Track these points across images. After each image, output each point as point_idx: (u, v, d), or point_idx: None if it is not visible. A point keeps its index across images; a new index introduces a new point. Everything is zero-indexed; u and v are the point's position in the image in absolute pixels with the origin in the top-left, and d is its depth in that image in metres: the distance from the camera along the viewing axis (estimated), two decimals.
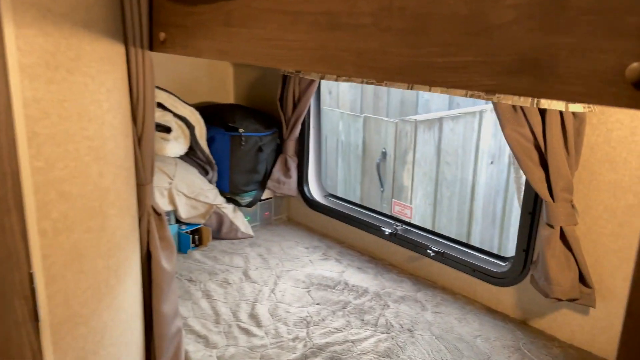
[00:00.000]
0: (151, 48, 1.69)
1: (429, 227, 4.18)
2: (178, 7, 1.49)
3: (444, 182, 4.27)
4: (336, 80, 2.60)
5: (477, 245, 2.67)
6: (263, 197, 3.12)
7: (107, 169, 1.56)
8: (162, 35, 1.59)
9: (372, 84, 2.42)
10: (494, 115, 4.48)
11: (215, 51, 1.41)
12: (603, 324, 2.00)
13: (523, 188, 3.99)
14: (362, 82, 2.46)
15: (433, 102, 5.76)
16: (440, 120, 4.14)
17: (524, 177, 3.97)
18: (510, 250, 4.94)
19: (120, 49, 1.60)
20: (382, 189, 4.29)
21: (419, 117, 4.10)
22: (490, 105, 4.66)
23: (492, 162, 4.57)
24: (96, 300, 1.59)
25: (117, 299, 1.68)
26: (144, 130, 1.74)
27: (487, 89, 0.83)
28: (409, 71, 0.92)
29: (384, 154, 4.20)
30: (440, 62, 0.86)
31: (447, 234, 2.74)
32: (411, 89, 2.27)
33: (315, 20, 1.07)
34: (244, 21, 1.25)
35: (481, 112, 4.41)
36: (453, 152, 4.27)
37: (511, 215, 4.90)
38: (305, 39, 1.10)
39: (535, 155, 1.97)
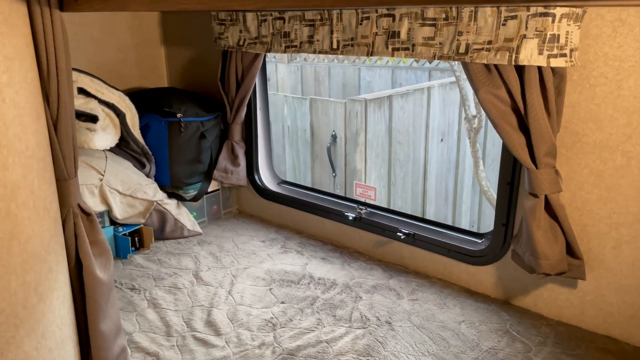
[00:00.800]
0: (62, 7, 1.36)
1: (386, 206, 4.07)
2: None
3: (397, 163, 4.15)
4: (284, 51, 2.33)
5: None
6: (209, 190, 2.90)
7: (13, 160, 1.22)
8: None
9: (326, 52, 2.17)
10: (442, 91, 4.39)
11: (144, 0, 1.11)
12: (592, 297, 1.87)
13: (481, 162, 3.91)
14: (314, 52, 2.21)
15: (375, 83, 5.63)
16: (389, 98, 4.00)
17: (479, 152, 3.89)
18: (464, 226, 4.93)
19: (20, 8, 1.25)
20: (334, 174, 4.12)
21: (368, 96, 3.94)
22: (438, 81, 4.56)
23: (442, 140, 4.49)
24: (12, 327, 1.25)
25: (41, 323, 1.34)
26: (60, 112, 1.40)
27: None
28: None
29: (334, 137, 4.02)
30: None
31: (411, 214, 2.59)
32: (370, 55, 2.04)
33: None
34: None
35: (429, 89, 4.30)
36: (404, 131, 4.15)
37: (462, 192, 4.86)
38: None
39: (513, 119, 1.80)
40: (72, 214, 1.50)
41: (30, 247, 1.29)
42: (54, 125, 1.41)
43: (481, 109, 3.85)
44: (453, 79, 4.41)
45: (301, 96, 4.63)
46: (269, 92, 2.91)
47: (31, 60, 1.30)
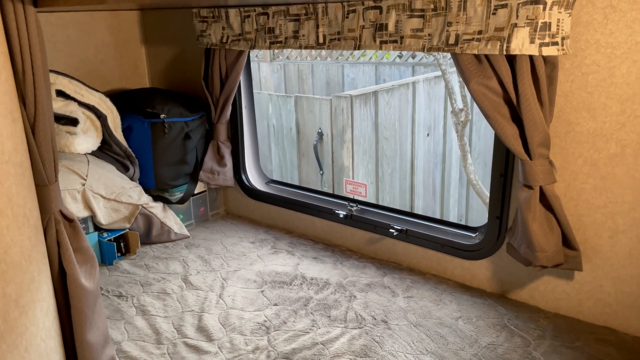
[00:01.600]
0: (35, 3, 1.28)
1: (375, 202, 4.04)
2: None
3: (384, 159, 4.12)
4: (269, 48, 2.28)
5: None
6: (196, 191, 2.84)
7: None
8: None
9: (312, 47, 2.12)
10: (427, 86, 4.36)
11: None
12: (589, 288, 1.84)
13: (469, 155, 3.89)
14: (300, 48, 2.15)
15: (359, 80, 5.59)
16: (375, 94, 3.97)
17: (467, 145, 3.87)
18: (453, 220, 4.93)
19: None
20: (321, 172, 4.07)
21: (354, 92, 3.90)
22: (422, 76, 4.54)
23: (428, 134, 4.47)
24: None
25: (24, 336, 1.27)
26: (37, 114, 1.33)
27: None
28: None
29: (321, 135, 3.98)
30: None
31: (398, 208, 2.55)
32: (358, 48, 1.99)
33: None
34: None
35: (414, 84, 4.28)
36: (391, 127, 4.12)
37: (450, 186, 4.85)
38: None
39: (506, 110, 1.76)
40: (53, 221, 1.43)
41: (9, 257, 1.22)
42: (32, 128, 1.34)
43: (468, 102, 3.83)
44: (438, 73, 4.39)
45: (285, 94, 4.58)
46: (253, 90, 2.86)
47: (4, 58, 1.22)
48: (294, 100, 4.14)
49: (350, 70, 5.52)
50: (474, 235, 2.17)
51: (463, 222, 4.97)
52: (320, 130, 4.02)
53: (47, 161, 1.40)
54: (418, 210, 4.46)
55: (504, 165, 1.93)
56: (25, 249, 1.28)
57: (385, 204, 4.17)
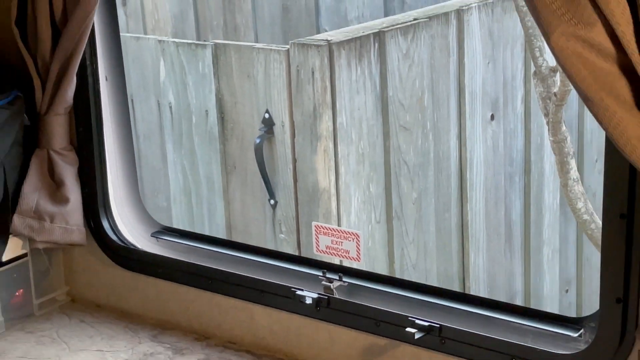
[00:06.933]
0: None
1: (381, 270, 4.10)
2: None
3: (404, 170, 4.21)
4: None
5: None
6: (4, 258, 2.88)
7: None
8: None
9: None
10: (487, 18, 4.47)
11: None
12: None
13: (572, 162, 4.00)
14: None
15: (350, 3, 5.71)
16: (379, 36, 4.05)
17: (569, 141, 3.98)
18: (548, 289, 5.01)
19: None
20: (272, 201, 4.15)
21: (334, 35, 3.98)
22: None
23: (493, 117, 4.58)
24: None
25: None
26: None
27: None
28: None
29: (269, 124, 4.06)
30: None
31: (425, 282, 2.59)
32: None
33: None
34: None
35: (460, 12, 4.38)
36: (413, 106, 4.21)
37: (542, 221, 4.96)
38: None
39: (624, 87, 1.85)
40: None
41: None
42: None
43: None
44: None
45: (196, 40, 4.63)
46: (127, 30, 2.91)
47: None
48: (211, 52, 4.21)
49: None
50: (577, 334, 2.25)
51: (572, 296, 5.09)
52: (267, 116, 4.09)
53: None
54: (478, 276, 4.55)
55: (627, 197, 2.02)
56: None
57: (409, 268, 4.27)
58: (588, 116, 4.75)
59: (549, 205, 4.87)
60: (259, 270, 2.72)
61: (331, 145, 3.95)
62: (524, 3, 3.85)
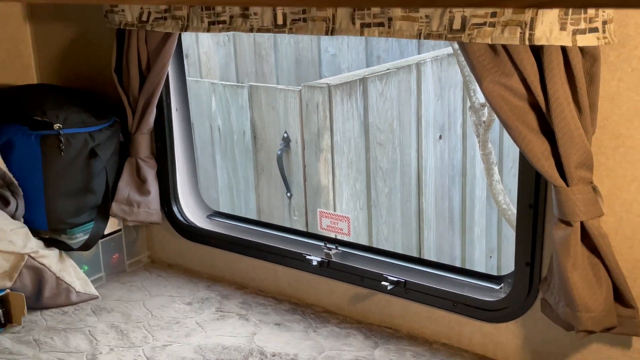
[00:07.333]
0: None
1: (364, 242, 4.13)
2: None
3: (379, 173, 4.23)
4: (207, 30, 2.38)
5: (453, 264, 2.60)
6: (106, 232, 2.90)
7: None
8: None
9: (267, 31, 2.23)
10: (438, 68, 4.50)
11: None
12: None
13: (495, 168, 4.04)
14: (251, 31, 2.26)
15: (342, 57, 5.71)
16: (363, 81, 4.08)
17: (493, 154, 4.02)
18: (479, 258, 5.06)
19: None
20: (288, 194, 4.17)
21: (332, 80, 4.01)
22: (432, 53, 4.67)
23: (440, 137, 4.61)
24: None
25: None
26: None
27: None
28: None
29: (287, 141, 4.08)
30: None
31: (394, 250, 2.64)
32: (331, 33, 2.11)
33: None
34: None
35: (419, 65, 4.41)
36: (386, 128, 4.24)
37: (474, 208, 4.98)
38: None
39: (532, 119, 1.89)
40: None
41: None
42: None
43: None
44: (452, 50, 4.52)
45: (236, 83, 4.66)
46: (188, 77, 2.95)
47: None
48: (247, 91, 4.24)
49: (330, 43, 5.62)
50: (499, 287, 2.28)
51: (494, 260, 5.12)
52: (286, 135, 4.12)
53: None
54: (430, 246, 4.58)
55: (534, 193, 2.06)
56: None
57: (382, 240, 4.31)
58: (506, 137, 4.78)
59: (479, 198, 4.89)
60: (280, 241, 2.77)
61: (329, 156, 3.98)
62: (463, 59, 3.90)
